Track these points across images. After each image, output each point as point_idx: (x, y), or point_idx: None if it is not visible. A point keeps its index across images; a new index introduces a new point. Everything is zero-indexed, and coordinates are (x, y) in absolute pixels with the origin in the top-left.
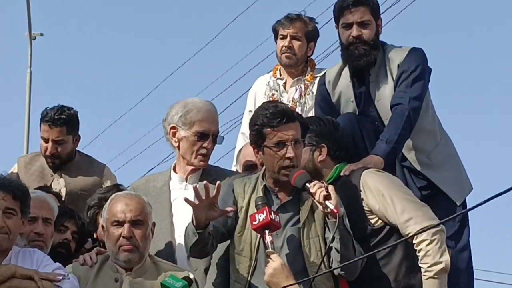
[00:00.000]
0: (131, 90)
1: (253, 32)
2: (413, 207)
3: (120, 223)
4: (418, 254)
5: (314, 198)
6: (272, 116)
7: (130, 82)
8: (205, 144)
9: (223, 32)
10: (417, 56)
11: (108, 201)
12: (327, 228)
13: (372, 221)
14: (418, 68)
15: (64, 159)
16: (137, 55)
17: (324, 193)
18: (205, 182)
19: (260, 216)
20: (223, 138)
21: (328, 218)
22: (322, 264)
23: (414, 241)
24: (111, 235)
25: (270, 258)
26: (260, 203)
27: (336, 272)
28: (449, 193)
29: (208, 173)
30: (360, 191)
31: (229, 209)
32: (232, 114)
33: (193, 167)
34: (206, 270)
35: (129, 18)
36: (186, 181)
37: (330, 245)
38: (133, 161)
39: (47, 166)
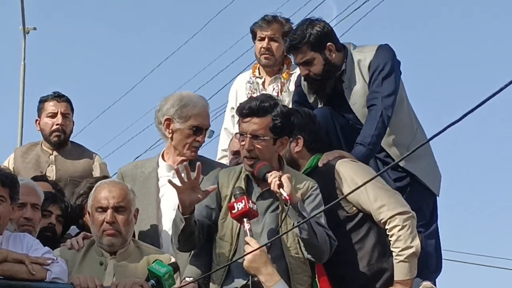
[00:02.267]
0: (120, 81)
1: (240, 25)
2: (386, 194)
3: (103, 209)
4: (390, 239)
5: (271, 187)
6: (241, 108)
7: (119, 74)
8: (198, 138)
9: (210, 24)
10: (384, 53)
11: (94, 188)
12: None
13: (347, 208)
14: (386, 65)
15: (67, 137)
16: (127, 47)
17: (278, 181)
18: (185, 163)
19: (239, 204)
20: (213, 132)
21: (286, 205)
22: (298, 249)
23: (386, 227)
24: (95, 220)
25: (249, 244)
26: (238, 192)
27: (305, 255)
28: (429, 185)
29: (196, 163)
30: (335, 179)
31: (210, 188)
32: (216, 103)
33: (183, 158)
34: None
35: (118, 12)
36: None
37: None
38: (121, 149)
39: (42, 154)
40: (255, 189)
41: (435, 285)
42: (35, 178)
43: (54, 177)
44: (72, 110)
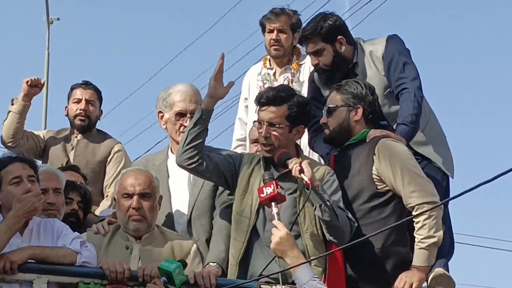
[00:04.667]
0: (141, 70)
1: (252, 18)
2: (420, 181)
3: (129, 195)
4: (415, 225)
5: (292, 173)
6: (259, 97)
7: (140, 63)
8: (184, 123)
9: (225, 17)
10: (395, 42)
11: (120, 176)
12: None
13: (378, 185)
14: (402, 52)
15: (92, 122)
16: (147, 38)
17: (298, 167)
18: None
19: (268, 189)
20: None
21: (306, 190)
22: (316, 231)
23: (414, 212)
24: (121, 206)
25: (277, 228)
26: (267, 177)
27: (327, 238)
28: (443, 167)
29: None
30: (374, 155)
31: (230, 83)
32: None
33: None
34: (207, 241)
35: (140, 3)
36: None
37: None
38: (143, 135)
39: (70, 136)
40: (274, 172)
41: (447, 267)
42: (67, 168)
43: (72, 162)
44: (100, 98)
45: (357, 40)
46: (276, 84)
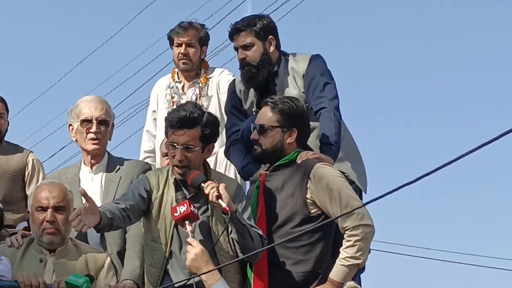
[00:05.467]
0: (42, 75)
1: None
2: (356, 204)
3: (43, 209)
4: (345, 242)
5: (208, 197)
6: (171, 120)
7: (42, 67)
8: (90, 129)
9: (128, 26)
10: (318, 63)
11: (34, 189)
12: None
13: (311, 209)
14: (325, 73)
15: (1, 136)
16: (47, 40)
17: (216, 193)
18: (80, 188)
19: (181, 208)
20: None
21: (224, 214)
22: (229, 248)
23: (347, 233)
24: (35, 219)
25: (191, 245)
26: (180, 197)
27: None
28: (358, 183)
29: (112, 164)
30: (309, 179)
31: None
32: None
33: (95, 159)
34: (119, 253)
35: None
36: (93, 172)
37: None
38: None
39: None
40: (184, 193)
41: (360, 282)
42: None
43: None
44: (7, 110)
45: (282, 51)
46: (184, 97)
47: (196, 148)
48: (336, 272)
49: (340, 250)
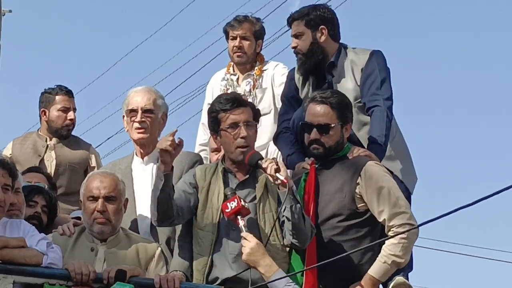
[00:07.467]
0: (95, 65)
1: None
2: (403, 204)
3: (95, 198)
4: (390, 240)
5: (266, 172)
6: (225, 101)
7: (93, 59)
8: (136, 118)
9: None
10: (378, 59)
11: (86, 178)
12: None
13: (359, 204)
14: (382, 70)
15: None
16: (100, 32)
17: (275, 166)
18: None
19: (232, 204)
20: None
21: (279, 189)
22: (275, 236)
23: (393, 229)
24: (87, 209)
25: (246, 239)
26: (229, 193)
27: (287, 241)
28: (406, 183)
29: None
30: (359, 176)
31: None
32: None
33: (144, 149)
34: (167, 241)
35: None
36: (144, 163)
37: (282, 217)
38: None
39: (39, 140)
40: (232, 181)
41: (407, 278)
42: (30, 169)
43: (55, 162)
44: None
45: (343, 44)
46: (238, 89)
47: (255, 123)
48: (377, 268)
49: (383, 247)
